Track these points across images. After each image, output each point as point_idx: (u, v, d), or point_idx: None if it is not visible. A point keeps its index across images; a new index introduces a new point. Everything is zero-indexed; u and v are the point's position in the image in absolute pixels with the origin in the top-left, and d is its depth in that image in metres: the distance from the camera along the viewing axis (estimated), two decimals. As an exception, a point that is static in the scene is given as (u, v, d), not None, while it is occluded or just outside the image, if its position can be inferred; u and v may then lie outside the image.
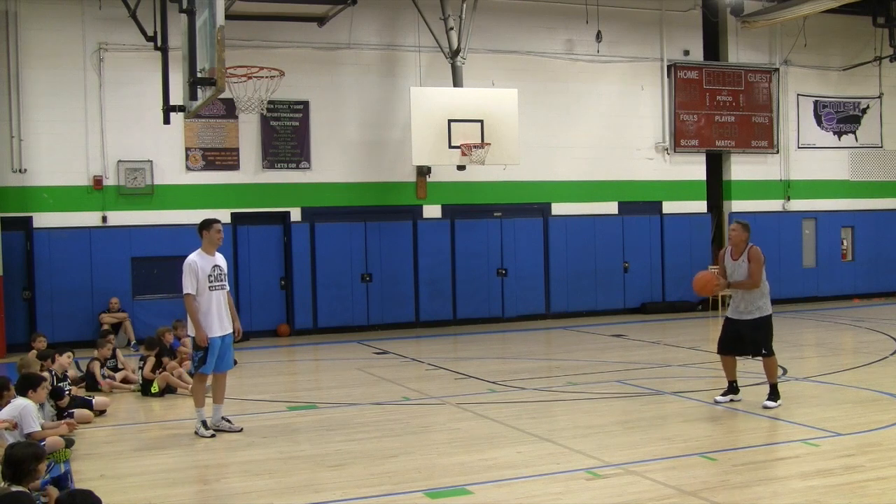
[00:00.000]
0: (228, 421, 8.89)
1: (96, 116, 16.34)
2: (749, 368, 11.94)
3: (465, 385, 11.28)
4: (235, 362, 13.70)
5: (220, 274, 8.80)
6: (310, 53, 17.58)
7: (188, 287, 8.59)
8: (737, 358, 9.68)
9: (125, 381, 11.69)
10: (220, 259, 8.90)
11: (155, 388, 11.09)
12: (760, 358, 9.44)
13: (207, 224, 8.89)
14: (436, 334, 17.34)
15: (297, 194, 17.54)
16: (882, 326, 16.21)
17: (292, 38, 17.38)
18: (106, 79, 16.39)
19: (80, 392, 10.56)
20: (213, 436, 8.56)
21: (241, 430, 8.77)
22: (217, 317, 8.68)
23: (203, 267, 8.66)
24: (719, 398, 9.62)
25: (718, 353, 9.72)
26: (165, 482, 7.15)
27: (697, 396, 10.04)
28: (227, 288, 8.95)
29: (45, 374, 9.21)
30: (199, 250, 8.80)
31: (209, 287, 8.65)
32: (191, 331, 8.74)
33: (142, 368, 11.31)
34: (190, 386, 11.43)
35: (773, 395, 9.38)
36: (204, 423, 8.67)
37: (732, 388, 9.66)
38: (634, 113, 20.07)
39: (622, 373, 11.89)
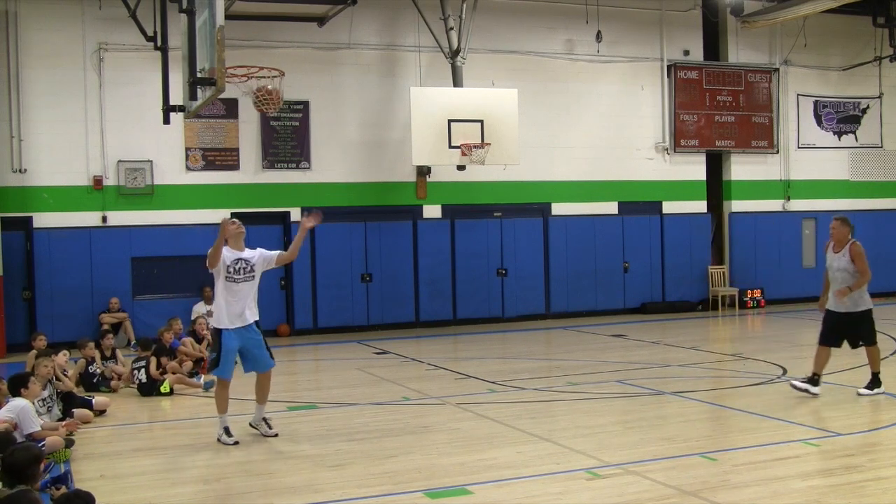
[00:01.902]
0: (268, 424, 8.70)
1: (96, 116, 16.34)
2: (750, 369, 11.95)
3: (465, 385, 11.28)
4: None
5: (243, 268, 8.51)
6: (310, 53, 17.58)
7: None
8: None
9: (118, 375, 11.72)
10: (248, 253, 8.63)
11: (165, 388, 11.07)
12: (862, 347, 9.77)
13: (221, 223, 8.67)
14: (436, 334, 17.34)
15: (297, 194, 17.54)
16: (882, 326, 16.07)
17: (292, 38, 17.38)
18: (106, 79, 16.39)
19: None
20: (236, 443, 8.25)
21: (276, 435, 8.57)
22: (236, 310, 8.39)
23: (225, 257, 8.46)
24: (796, 382, 9.83)
25: (820, 344, 9.86)
26: (165, 482, 7.15)
27: (697, 396, 10.04)
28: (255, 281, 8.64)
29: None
30: (227, 248, 8.57)
31: (226, 277, 8.42)
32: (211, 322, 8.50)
33: (140, 370, 11.27)
34: (193, 387, 11.52)
35: (875, 383, 9.70)
36: (227, 430, 8.38)
37: (814, 381, 9.76)
38: (634, 113, 20.07)
39: (622, 373, 11.89)
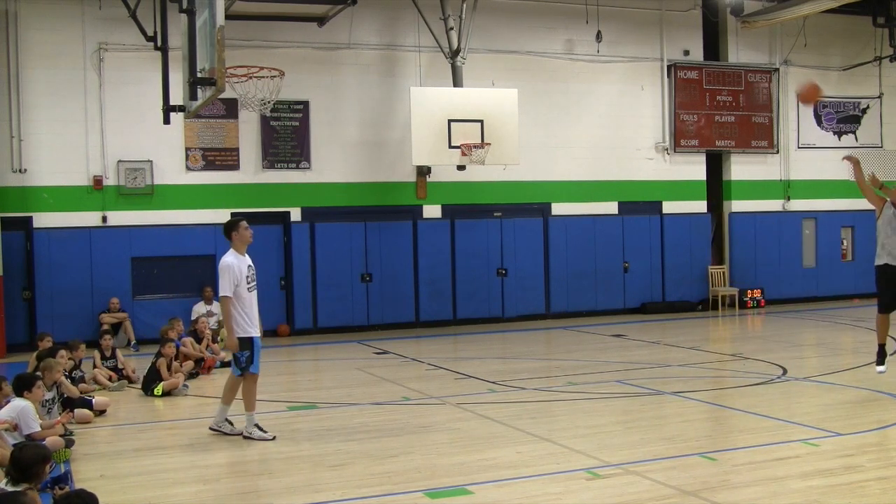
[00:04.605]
0: (230, 423, 8.77)
1: (96, 116, 16.34)
2: (750, 369, 11.95)
3: (465, 385, 11.28)
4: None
5: (253, 274, 8.61)
6: (310, 53, 17.58)
7: (226, 289, 8.35)
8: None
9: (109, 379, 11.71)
10: (249, 259, 8.69)
11: (158, 391, 11.07)
12: None
13: (234, 224, 8.68)
14: (436, 334, 17.34)
15: (297, 194, 17.54)
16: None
17: (292, 38, 17.38)
18: (106, 79, 16.38)
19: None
20: (273, 438, 8.33)
21: (241, 434, 8.61)
22: (250, 319, 8.49)
23: (240, 268, 8.46)
24: (880, 368, 9.96)
25: (880, 312, 9.98)
26: (165, 482, 7.14)
27: (697, 396, 10.04)
28: None
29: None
30: (232, 251, 8.58)
31: (248, 288, 8.47)
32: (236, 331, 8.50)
33: (155, 364, 11.30)
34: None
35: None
36: (259, 427, 8.42)
37: (883, 353, 9.95)
38: (634, 113, 20.07)
39: (622, 373, 11.89)
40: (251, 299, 8.55)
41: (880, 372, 9.93)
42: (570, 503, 6.27)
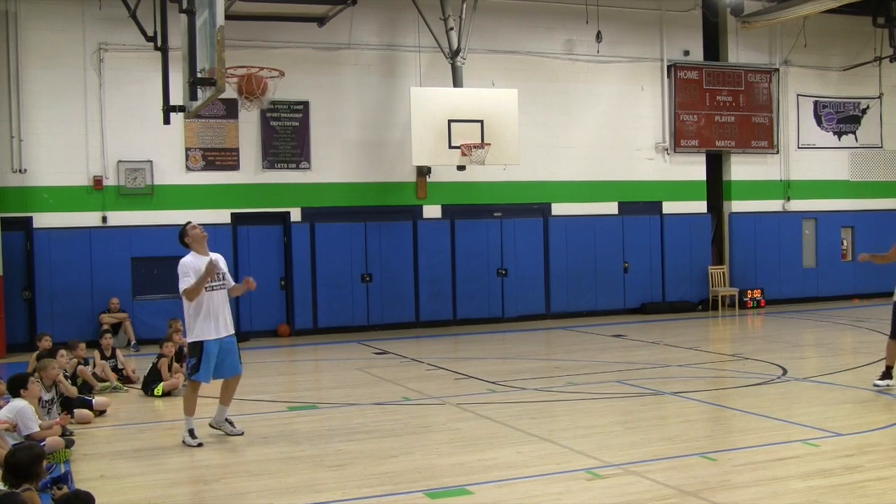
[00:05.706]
0: (231, 424, 8.76)
1: (96, 116, 16.33)
2: (750, 369, 11.95)
3: (465, 385, 11.29)
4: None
5: (217, 274, 8.52)
6: (310, 53, 17.58)
7: (183, 284, 8.32)
8: None
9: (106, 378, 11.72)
10: (214, 257, 8.60)
11: (158, 391, 11.10)
12: None
13: (182, 230, 8.64)
14: (436, 334, 17.34)
15: (297, 194, 17.54)
16: (882, 326, 16.07)
17: (292, 38, 17.37)
18: (106, 79, 16.38)
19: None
20: (199, 445, 8.29)
21: (242, 434, 8.64)
22: (214, 319, 8.41)
23: (197, 266, 8.40)
24: (878, 382, 9.99)
25: (893, 337, 9.99)
26: (165, 482, 7.15)
27: (697, 396, 10.04)
28: (231, 285, 8.68)
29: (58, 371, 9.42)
30: (192, 254, 8.53)
31: (205, 287, 8.40)
32: (187, 335, 8.53)
33: (156, 364, 11.34)
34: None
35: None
36: (191, 433, 8.39)
37: (889, 373, 9.99)
38: (634, 113, 20.06)
39: (622, 373, 11.89)
40: (209, 299, 8.43)
41: (876, 385, 9.91)
42: (570, 503, 6.27)
